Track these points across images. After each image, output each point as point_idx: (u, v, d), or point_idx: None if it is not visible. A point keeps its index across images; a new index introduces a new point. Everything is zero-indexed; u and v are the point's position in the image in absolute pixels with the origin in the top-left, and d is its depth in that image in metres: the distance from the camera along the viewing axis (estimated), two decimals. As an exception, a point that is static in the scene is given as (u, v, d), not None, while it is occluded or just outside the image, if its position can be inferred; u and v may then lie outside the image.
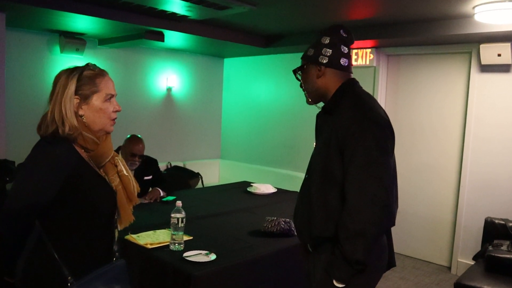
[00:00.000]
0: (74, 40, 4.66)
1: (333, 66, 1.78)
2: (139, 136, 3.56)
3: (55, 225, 1.46)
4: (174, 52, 5.90)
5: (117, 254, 1.63)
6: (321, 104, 1.87)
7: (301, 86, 1.89)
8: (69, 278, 1.43)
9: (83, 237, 1.50)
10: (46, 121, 1.47)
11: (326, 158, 1.67)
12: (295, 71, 1.87)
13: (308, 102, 1.88)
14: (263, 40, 5.22)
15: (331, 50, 1.78)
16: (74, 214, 1.47)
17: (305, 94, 1.87)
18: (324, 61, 1.77)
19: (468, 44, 4.21)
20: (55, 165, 1.42)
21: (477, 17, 3.38)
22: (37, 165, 1.43)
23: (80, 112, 1.50)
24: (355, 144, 1.59)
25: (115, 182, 1.63)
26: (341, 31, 1.81)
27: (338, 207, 1.64)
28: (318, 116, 1.89)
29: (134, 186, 1.70)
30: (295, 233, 2.60)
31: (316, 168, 1.74)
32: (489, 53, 3.98)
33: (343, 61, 1.79)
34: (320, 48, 1.79)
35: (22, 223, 1.42)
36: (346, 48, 1.82)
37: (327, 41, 1.79)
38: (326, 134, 1.72)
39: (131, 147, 3.43)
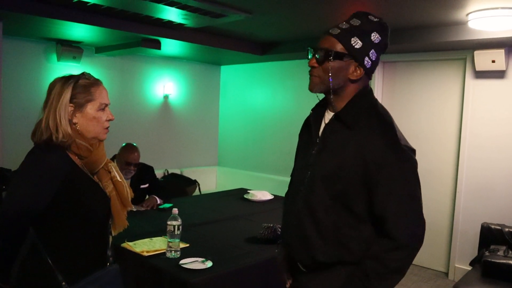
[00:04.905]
0: (71, 48, 4.67)
1: (368, 75, 1.49)
2: (134, 144, 3.54)
3: (49, 231, 1.47)
4: (171, 59, 5.92)
5: (111, 259, 1.63)
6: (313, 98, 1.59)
7: (311, 72, 1.50)
8: (63, 283, 1.43)
9: (77, 242, 1.50)
10: (41, 128, 1.47)
11: (347, 182, 1.44)
12: (328, 53, 1.44)
13: (313, 89, 1.51)
14: (260, 48, 5.25)
15: (376, 54, 1.46)
16: (68, 220, 1.48)
17: (312, 79, 1.50)
18: (368, 66, 1.46)
19: (462, 50, 4.24)
20: (49, 172, 1.43)
21: (471, 24, 3.41)
22: (31, 172, 1.43)
23: (74, 120, 1.52)
24: (392, 176, 1.43)
25: (108, 188, 1.64)
26: (389, 32, 1.48)
27: (351, 235, 1.48)
28: (315, 116, 1.62)
29: (128, 192, 1.71)
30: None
31: (322, 184, 1.49)
32: (483, 59, 4.01)
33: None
34: (369, 47, 1.44)
35: (16, 229, 1.42)
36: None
37: (377, 40, 1.45)
38: (344, 152, 1.46)
39: (126, 156, 3.41)
